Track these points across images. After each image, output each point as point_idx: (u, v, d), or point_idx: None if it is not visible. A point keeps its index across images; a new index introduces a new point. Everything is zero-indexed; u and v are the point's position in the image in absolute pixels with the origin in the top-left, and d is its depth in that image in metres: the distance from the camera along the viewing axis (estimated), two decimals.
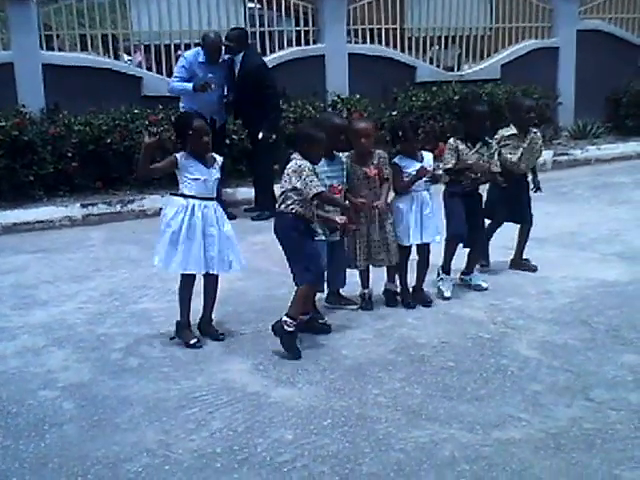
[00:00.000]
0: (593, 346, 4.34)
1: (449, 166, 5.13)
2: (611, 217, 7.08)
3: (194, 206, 4.29)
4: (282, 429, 3.47)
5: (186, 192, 4.32)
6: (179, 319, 4.48)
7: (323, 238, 4.63)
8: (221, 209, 4.46)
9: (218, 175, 4.42)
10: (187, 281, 4.43)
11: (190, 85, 7.28)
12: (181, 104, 7.59)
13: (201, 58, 7.40)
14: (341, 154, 4.78)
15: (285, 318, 4.25)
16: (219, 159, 4.46)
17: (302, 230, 4.35)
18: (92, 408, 3.71)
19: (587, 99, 11.29)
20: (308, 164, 4.30)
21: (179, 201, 4.32)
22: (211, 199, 4.38)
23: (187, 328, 4.47)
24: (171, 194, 4.44)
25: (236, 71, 7.51)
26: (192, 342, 4.39)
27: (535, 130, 5.63)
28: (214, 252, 4.32)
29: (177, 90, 7.54)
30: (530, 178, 5.70)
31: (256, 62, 7.65)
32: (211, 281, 4.48)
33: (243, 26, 9.42)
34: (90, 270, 5.99)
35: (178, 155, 4.32)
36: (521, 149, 5.49)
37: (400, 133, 4.90)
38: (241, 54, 7.49)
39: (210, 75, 7.29)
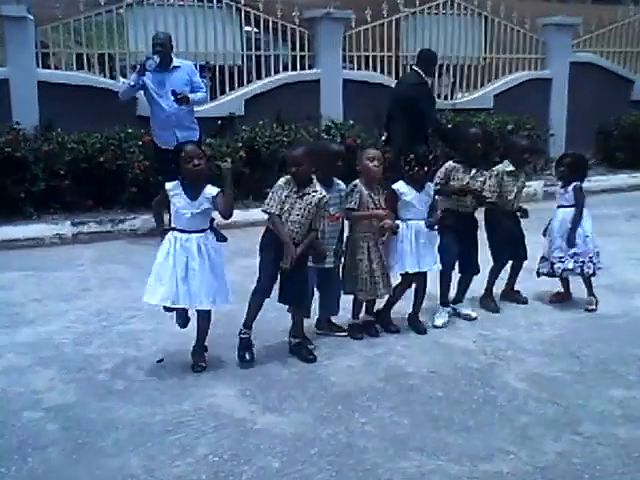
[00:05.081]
0: (582, 379, 4.33)
1: (437, 187, 5.08)
2: (600, 249, 7.09)
3: (176, 239, 4.23)
4: (268, 457, 3.44)
5: (172, 224, 4.31)
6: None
7: (312, 264, 4.63)
8: (209, 241, 4.28)
9: (206, 206, 4.22)
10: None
11: (131, 81, 7.21)
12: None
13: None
14: (340, 182, 4.78)
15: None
16: (211, 191, 4.23)
17: (268, 244, 4.45)
18: (76, 431, 3.67)
19: (578, 131, 11.38)
20: (282, 183, 4.41)
21: (169, 233, 4.30)
22: (195, 232, 4.23)
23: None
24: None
25: None
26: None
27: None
28: (196, 287, 4.22)
29: (122, 92, 7.46)
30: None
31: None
32: (200, 315, 4.43)
33: (240, 49, 9.47)
34: (79, 289, 5.96)
35: (168, 185, 4.27)
36: (516, 188, 5.50)
37: (409, 163, 4.84)
38: None
39: (149, 59, 7.08)
